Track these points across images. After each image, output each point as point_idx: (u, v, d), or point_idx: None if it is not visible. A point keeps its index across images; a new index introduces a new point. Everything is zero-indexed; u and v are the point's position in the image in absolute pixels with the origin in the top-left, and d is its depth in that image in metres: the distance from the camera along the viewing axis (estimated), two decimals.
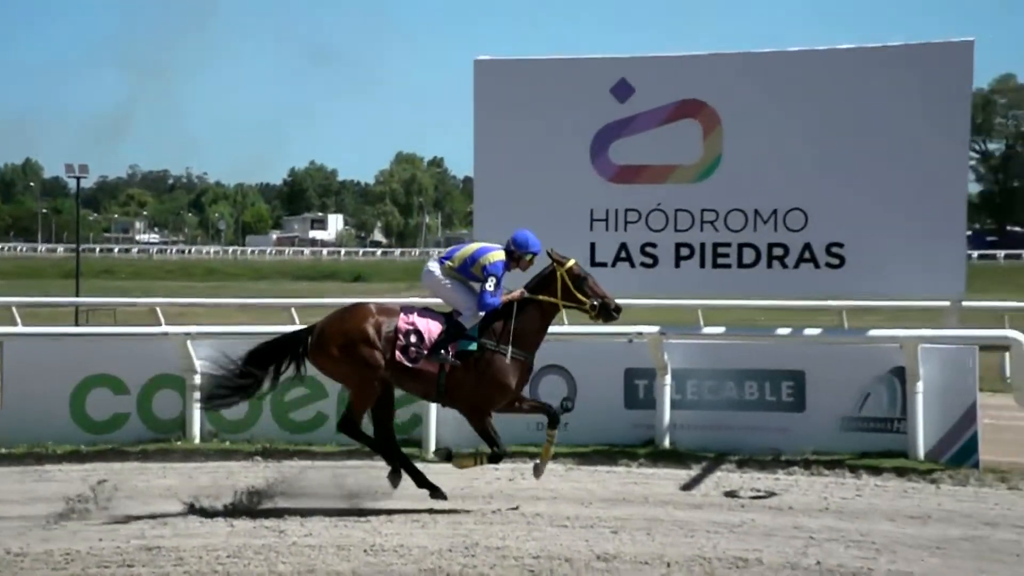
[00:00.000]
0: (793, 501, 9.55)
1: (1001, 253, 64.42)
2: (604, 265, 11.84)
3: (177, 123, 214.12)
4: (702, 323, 15.63)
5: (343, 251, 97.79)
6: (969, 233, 14.55)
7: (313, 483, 9.95)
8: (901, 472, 10.46)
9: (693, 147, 11.68)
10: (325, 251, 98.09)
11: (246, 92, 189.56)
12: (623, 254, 11.88)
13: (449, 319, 9.46)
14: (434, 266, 9.78)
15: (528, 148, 11.99)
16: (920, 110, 11.18)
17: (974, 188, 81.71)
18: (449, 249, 10.15)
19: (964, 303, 11.66)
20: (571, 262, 9.49)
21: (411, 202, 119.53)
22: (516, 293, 9.51)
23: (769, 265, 11.59)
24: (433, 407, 11.37)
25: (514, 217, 11.88)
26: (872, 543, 8.09)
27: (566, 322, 17.20)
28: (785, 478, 10.44)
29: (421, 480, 9.43)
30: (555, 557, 7.69)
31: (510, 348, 9.35)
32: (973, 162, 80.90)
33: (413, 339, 9.33)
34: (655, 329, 11.58)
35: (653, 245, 11.81)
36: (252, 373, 9.67)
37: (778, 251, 11.56)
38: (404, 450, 11.51)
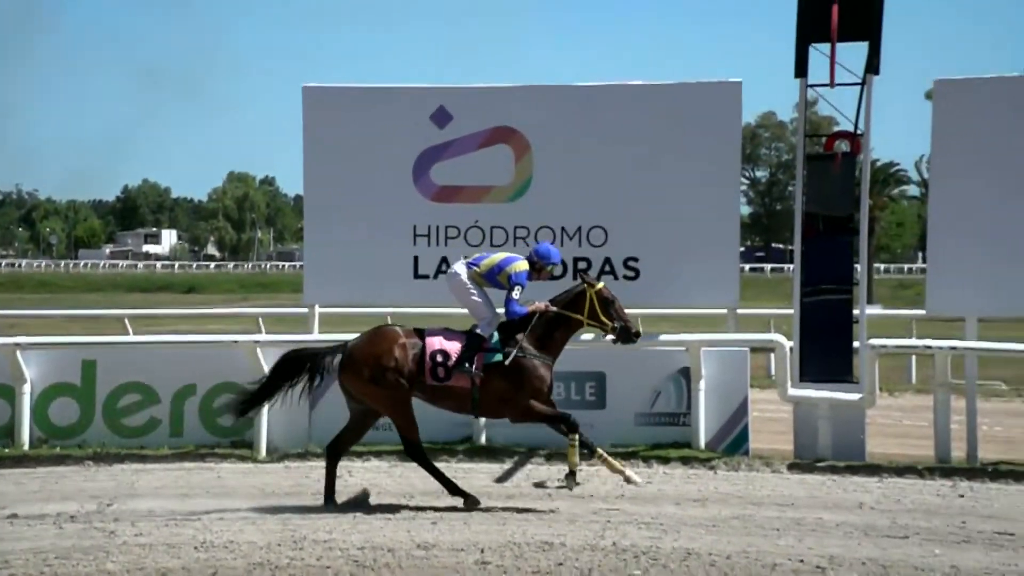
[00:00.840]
0: (594, 490, 9.75)
1: (768, 267, 67.35)
2: (427, 277, 11.96)
3: (5, 139, 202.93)
4: None
5: (177, 264, 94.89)
6: (742, 249, 15.11)
7: (146, 486, 9.76)
8: (686, 461, 10.85)
9: (506, 170, 11.86)
10: (159, 264, 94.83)
11: (79, 110, 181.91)
12: (444, 267, 11.88)
13: (469, 335, 9.30)
14: (461, 269, 9.63)
15: (355, 169, 11.97)
16: (698, 141, 11.57)
17: (745, 210, 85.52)
18: (475, 256, 9.90)
19: (738, 311, 12.08)
20: (600, 285, 9.48)
21: (244, 218, 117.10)
22: (542, 305, 9.45)
23: (574, 277, 11.71)
24: (265, 410, 11.29)
25: (342, 233, 11.97)
26: (660, 524, 8.39)
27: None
28: (588, 469, 10.48)
29: (331, 490, 9.34)
30: (379, 547, 7.70)
31: (535, 351, 9.29)
32: (744, 187, 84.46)
33: (440, 359, 9.17)
34: None
35: None
36: (277, 383, 9.53)
37: (582, 264, 11.74)
38: (235, 452, 11.51)
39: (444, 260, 11.90)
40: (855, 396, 11.07)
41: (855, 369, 11.38)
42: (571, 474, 9.15)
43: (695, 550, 7.60)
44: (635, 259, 11.75)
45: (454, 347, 9.17)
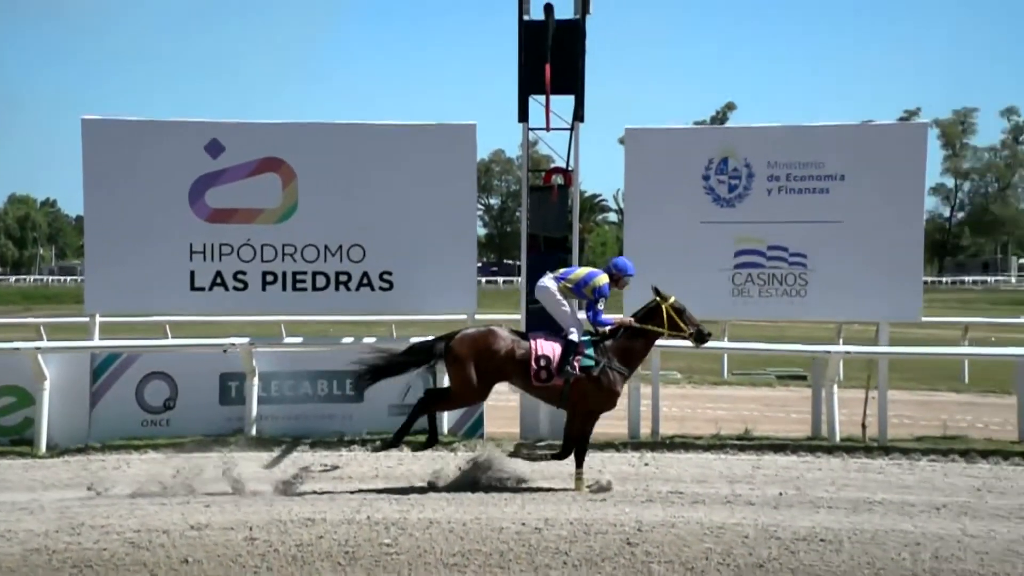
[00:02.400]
0: (352, 472, 9.78)
1: (501, 279, 68.98)
2: (203, 289, 11.60)
3: None
4: (284, 335, 15.58)
5: None
6: (479, 265, 15.37)
7: None
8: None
9: (275, 195, 11.65)
10: None
11: None
12: (219, 280, 11.63)
13: (565, 341, 9.07)
14: (550, 283, 9.35)
15: (134, 193, 11.48)
16: (441, 173, 11.67)
17: (481, 232, 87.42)
18: (562, 271, 9.55)
19: (476, 316, 12.12)
20: (672, 298, 9.28)
21: (26, 236, 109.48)
22: (625, 320, 9.28)
23: (337, 288, 11.74)
24: (45, 409, 10.74)
25: (122, 250, 11.45)
26: (408, 499, 8.47)
27: (168, 334, 16.71)
28: (347, 454, 10.63)
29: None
30: (154, 530, 7.42)
31: (617, 364, 9.08)
32: (480, 212, 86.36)
33: (543, 363, 8.97)
34: (246, 340, 11.50)
35: (244, 273, 11.64)
36: (401, 363, 9.32)
37: (343, 278, 11.72)
38: (15, 449, 10.80)
39: (219, 274, 11.64)
40: None
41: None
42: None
43: (437, 519, 7.70)
44: (389, 273, 11.75)
45: (554, 350, 9.04)
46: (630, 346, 9.21)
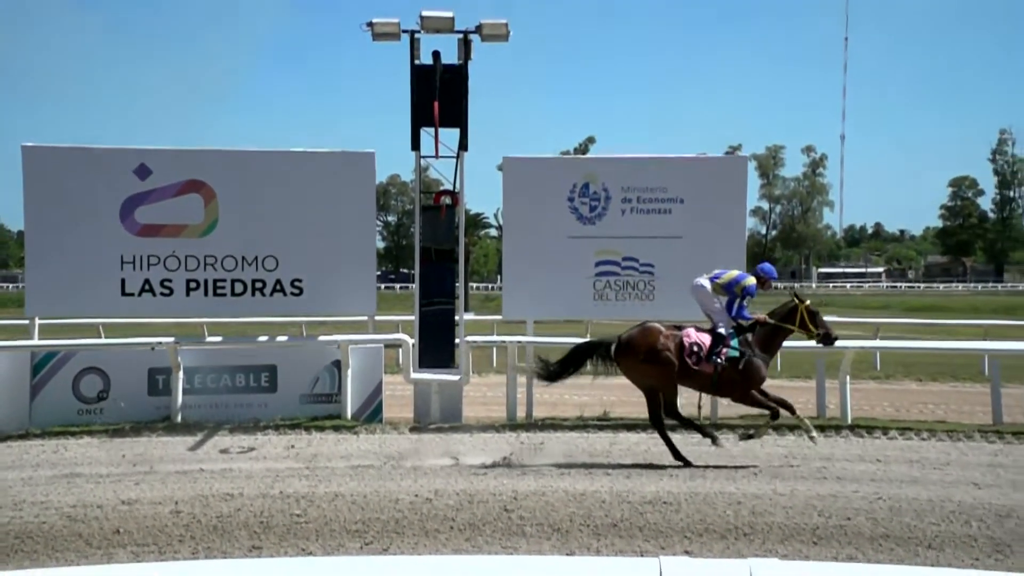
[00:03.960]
0: (267, 453, 9.55)
1: (398, 286, 68.24)
2: (132, 295, 11.25)
3: None
4: (207, 335, 15.13)
5: None
6: (378, 273, 15.25)
7: None
8: (337, 428, 10.77)
9: (198, 212, 11.34)
10: None
11: None
12: (147, 287, 11.29)
13: (714, 333, 8.91)
14: (704, 282, 9.19)
15: (70, 210, 11.06)
16: (345, 193, 11.56)
17: (381, 244, 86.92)
18: (715, 272, 9.31)
19: (376, 317, 12.17)
20: (808, 302, 9.13)
21: None
22: (762, 317, 9.11)
23: (253, 294, 11.49)
24: None
25: (61, 260, 11.01)
26: (316, 475, 8.34)
27: (101, 335, 16.00)
28: (262, 438, 10.33)
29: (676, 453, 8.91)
30: (89, 505, 7.21)
31: (759, 352, 8.94)
32: (379, 228, 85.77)
33: (695, 349, 8.84)
34: (172, 340, 11.13)
35: (170, 280, 11.31)
36: (573, 363, 9.17)
37: (259, 284, 11.47)
38: None
39: (147, 281, 11.30)
40: (456, 377, 11.37)
41: (456, 358, 11.66)
42: (809, 435, 8.98)
43: (341, 493, 7.60)
44: (300, 280, 11.55)
45: (704, 341, 8.89)
46: (768, 340, 9.10)
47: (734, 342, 8.97)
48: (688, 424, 9.23)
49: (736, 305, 9.11)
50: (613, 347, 9.09)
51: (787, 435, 10.53)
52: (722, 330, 9.02)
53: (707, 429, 9.32)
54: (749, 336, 9.07)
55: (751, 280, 9.23)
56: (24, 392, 10.90)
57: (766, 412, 9.13)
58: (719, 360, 8.88)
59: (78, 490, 7.76)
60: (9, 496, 7.54)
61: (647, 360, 8.91)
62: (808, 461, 8.96)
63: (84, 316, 13.63)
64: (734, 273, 9.38)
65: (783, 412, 9.05)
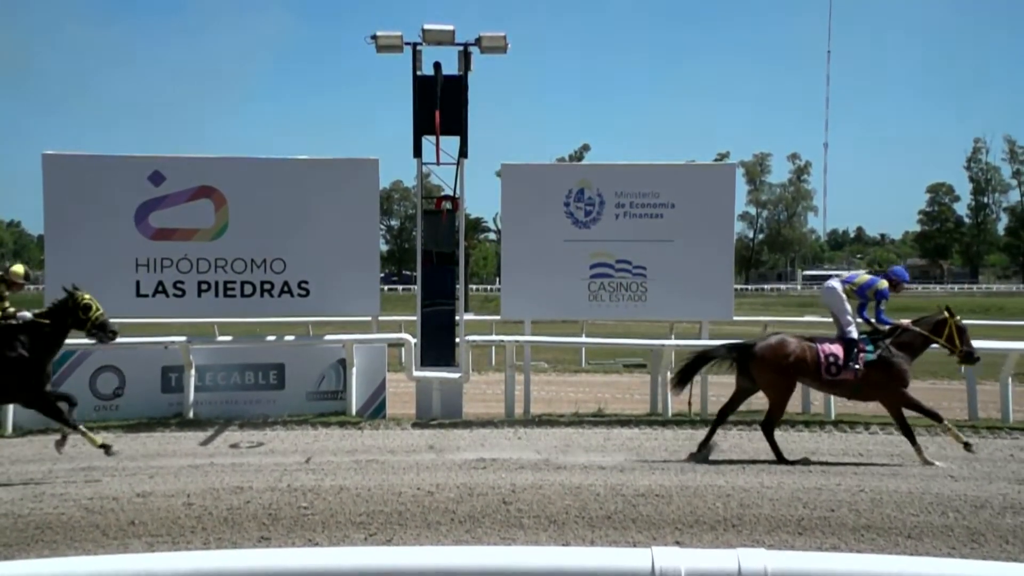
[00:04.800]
0: (276, 448, 9.53)
1: (400, 287, 67.75)
2: (147, 296, 11.24)
3: None
4: (217, 334, 15.10)
5: None
6: (381, 275, 15.17)
7: None
8: (342, 424, 10.76)
9: (209, 217, 11.34)
10: None
11: None
12: (160, 288, 11.29)
13: (844, 341, 8.63)
14: (836, 285, 8.93)
15: (88, 215, 11.06)
16: (350, 198, 11.50)
17: (384, 247, 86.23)
18: (847, 275, 9.19)
19: (380, 317, 12.12)
20: (958, 317, 8.78)
21: None
22: (906, 323, 8.80)
23: (262, 295, 11.48)
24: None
25: (79, 263, 10.95)
26: (323, 470, 8.30)
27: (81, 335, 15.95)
28: (271, 433, 10.31)
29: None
30: (105, 497, 7.19)
31: (898, 352, 8.61)
32: (382, 231, 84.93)
33: (832, 360, 8.56)
34: (184, 339, 11.14)
35: (182, 283, 11.31)
36: (697, 367, 8.94)
37: (267, 286, 11.45)
38: None
39: (160, 283, 11.31)
40: (456, 375, 11.35)
41: (457, 356, 11.66)
42: (966, 444, 8.66)
43: (346, 486, 7.58)
44: (306, 282, 11.52)
45: (839, 351, 8.61)
46: (908, 343, 8.72)
47: (869, 346, 8.67)
48: (774, 446, 8.81)
49: (875, 309, 8.82)
50: (744, 354, 8.80)
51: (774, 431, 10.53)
52: (853, 335, 8.73)
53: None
54: (887, 340, 8.73)
55: (884, 283, 8.92)
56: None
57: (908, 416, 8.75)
58: (857, 366, 8.59)
59: (95, 483, 7.77)
60: (30, 488, 7.55)
61: (779, 372, 8.67)
62: (792, 455, 8.96)
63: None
64: (866, 277, 9.11)
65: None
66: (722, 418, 9.08)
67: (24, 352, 7.98)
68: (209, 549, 5.98)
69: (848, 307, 8.85)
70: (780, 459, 8.55)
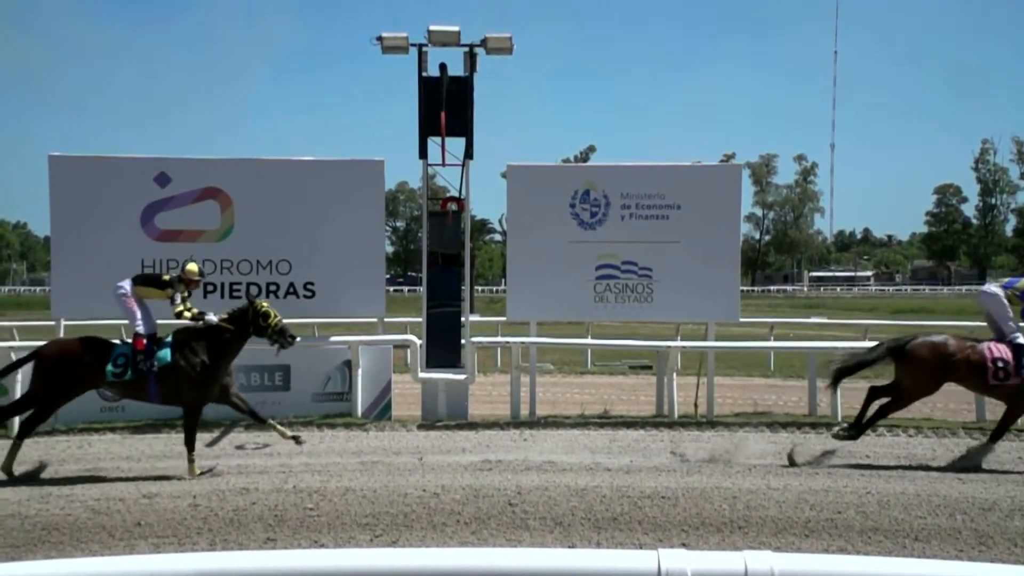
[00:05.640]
0: (280, 449, 9.44)
1: (406, 288, 67.84)
2: None
3: None
4: None
5: None
6: (387, 276, 15.16)
7: None
8: (347, 426, 10.77)
9: (215, 218, 11.36)
10: None
11: None
12: None
13: (1013, 346, 8.39)
14: (997, 290, 8.73)
15: (94, 217, 11.09)
16: (355, 200, 11.51)
17: (389, 249, 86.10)
18: (1007, 280, 9.00)
19: (385, 319, 12.09)
20: None
21: (0, 253, 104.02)
22: None
23: (267, 296, 11.37)
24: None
25: (85, 264, 11.03)
26: (328, 471, 8.29)
27: (123, 336, 15.99)
28: (276, 435, 10.32)
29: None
30: (112, 498, 7.18)
31: None
32: (388, 233, 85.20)
33: (1000, 364, 8.35)
34: None
35: None
36: (868, 362, 8.76)
37: (273, 287, 11.45)
38: None
39: None
40: (462, 376, 11.36)
41: (462, 358, 11.66)
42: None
43: (352, 487, 7.57)
44: (312, 283, 11.53)
45: (1007, 354, 8.39)
46: None
47: None
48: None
49: None
50: (897, 349, 8.66)
51: (780, 432, 10.53)
52: (1020, 340, 8.47)
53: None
54: None
55: None
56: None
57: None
58: None
59: (102, 483, 7.79)
60: (36, 488, 7.57)
61: (932, 370, 8.47)
62: (802, 457, 8.94)
63: (107, 318, 13.61)
64: None
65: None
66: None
67: (204, 358, 8.37)
68: (215, 550, 5.98)
69: (1010, 312, 8.65)
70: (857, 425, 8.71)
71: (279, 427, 8.59)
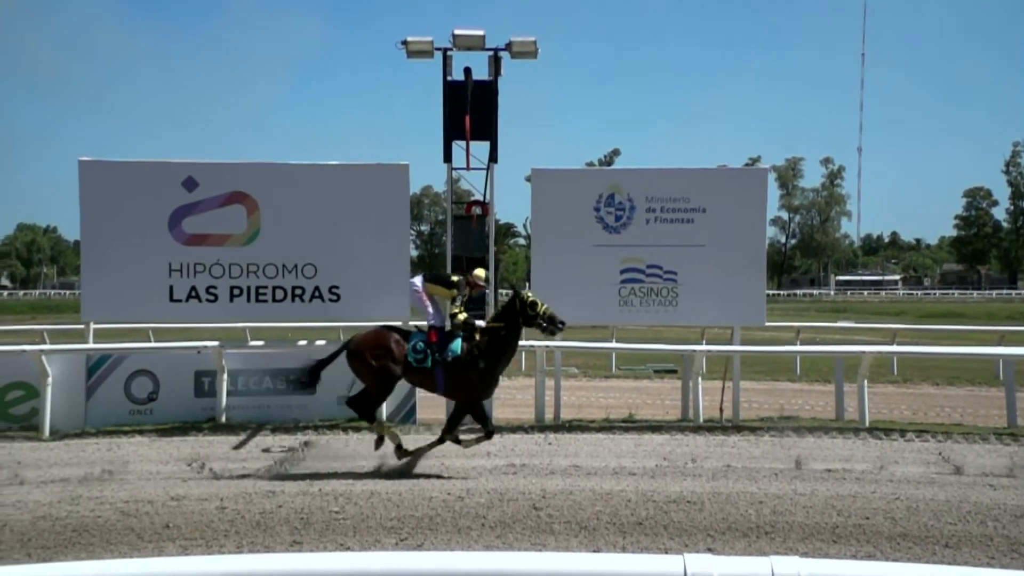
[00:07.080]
0: (307, 453, 9.52)
1: None
2: (180, 301, 11.30)
3: None
4: (249, 339, 15.27)
5: None
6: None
7: None
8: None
9: (241, 222, 11.41)
10: None
11: None
12: (194, 293, 11.36)
13: None
14: None
15: (123, 221, 11.19)
16: (380, 204, 11.51)
17: (414, 253, 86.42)
18: None
19: (410, 322, 12.11)
20: None
21: (32, 257, 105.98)
22: None
23: (293, 300, 11.52)
24: (48, 401, 10.31)
25: (112, 268, 11.16)
26: (354, 474, 8.39)
27: (151, 339, 16.19)
28: (303, 437, 10.36)
29: None
30: (141, 501, 7.26)
31: None
32: (412, 236, 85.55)
33: None
34: (216, 343, 11.28)
35: (215, 287, 11.36)
36: None
37: (299, 291, 11.49)
38: (24, 434, 10.43)
39: (193, 288, 11.36)
40: None
41: None
42: None
43: (377, 491, 7.62)
44: (337, 287, 11.57)
45: None
46: None
47: None
48: None
49: None
50: None
51: (806, 436, 10.43)
52: None
53: None
54: None
55: None
56: (80, 393, 11.08)
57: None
58: None
59: (130, 487, 7.83)
60: (67, 491, 7.64)
61: None
62: (828, 461, 8.86)
63: (135, 321, 13.81)
64: None
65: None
66: None
67: (488, 357, 8.58)
68: (242, 552, 6.02)
69: None
70: None
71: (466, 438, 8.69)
